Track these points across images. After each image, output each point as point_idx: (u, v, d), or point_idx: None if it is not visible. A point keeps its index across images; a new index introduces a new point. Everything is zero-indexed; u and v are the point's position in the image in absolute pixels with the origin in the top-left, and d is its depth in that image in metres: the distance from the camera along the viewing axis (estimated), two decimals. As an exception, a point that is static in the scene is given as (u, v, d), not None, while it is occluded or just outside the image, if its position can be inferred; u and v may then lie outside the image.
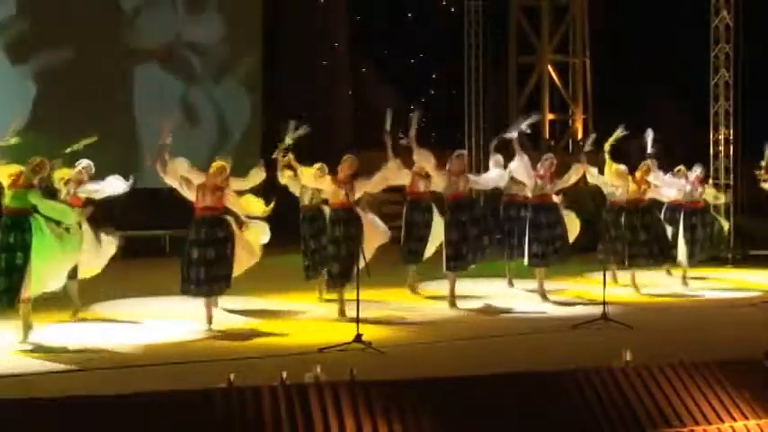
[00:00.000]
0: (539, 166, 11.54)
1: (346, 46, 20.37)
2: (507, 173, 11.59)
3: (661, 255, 12.40)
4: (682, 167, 13.21)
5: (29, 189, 8.78)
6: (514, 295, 11.97)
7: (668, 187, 12.72)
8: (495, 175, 11.60)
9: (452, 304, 10.97)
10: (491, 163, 11.92)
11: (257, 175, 10.13)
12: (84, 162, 10.12)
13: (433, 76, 22.05)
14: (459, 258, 10.82)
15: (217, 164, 9.73)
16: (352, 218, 10.11)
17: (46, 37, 16.24)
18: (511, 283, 12.51)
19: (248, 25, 18.27)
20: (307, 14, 19.25)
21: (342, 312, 10.15)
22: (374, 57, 20.70)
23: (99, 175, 10.24)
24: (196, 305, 9.81)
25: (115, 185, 10.25)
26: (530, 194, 11.63)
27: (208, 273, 9.45)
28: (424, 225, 11.54)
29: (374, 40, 20.20)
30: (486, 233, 11.13)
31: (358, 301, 9.04)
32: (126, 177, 10.25)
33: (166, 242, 16.22)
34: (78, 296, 10.00)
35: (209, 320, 9.58)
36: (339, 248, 10.03)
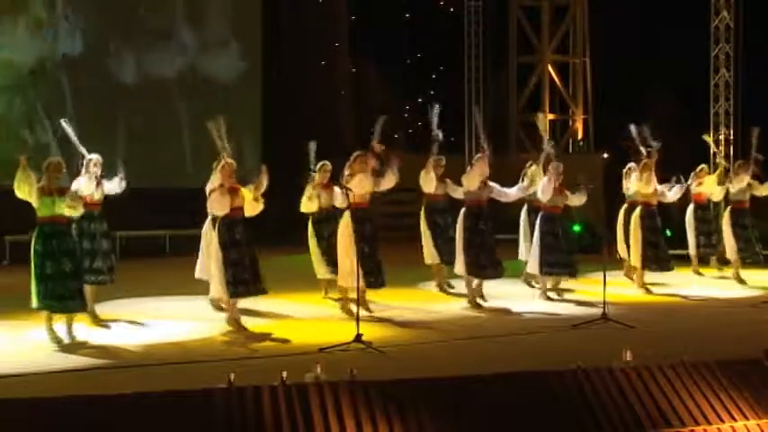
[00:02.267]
0: (550, 175, 11.55)
1: (346, 46, 20.36)
2: (527, 187, 11.57)
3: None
4: (704, 167, 13.41)
5: (52, 196, 8.75)
6: (514, 295, 11.96)
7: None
8: (514, 192, 11.46)
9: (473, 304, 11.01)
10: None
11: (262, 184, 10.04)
12: (94, 157, 9.95)
13: (433, 76, 22.03)
14: (478, 265, 10.88)
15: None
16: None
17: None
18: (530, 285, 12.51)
19: (248, 26, 18.26)
20: (307, 14, 19.24)
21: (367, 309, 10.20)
22: (374, 57, 20.68)
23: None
24: (196, 305, 9.82)
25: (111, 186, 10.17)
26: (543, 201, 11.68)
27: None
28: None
29: (374, 40, 20.17)
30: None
31: (358, 301, 9.05)
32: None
33: (166, 242, 16.21)
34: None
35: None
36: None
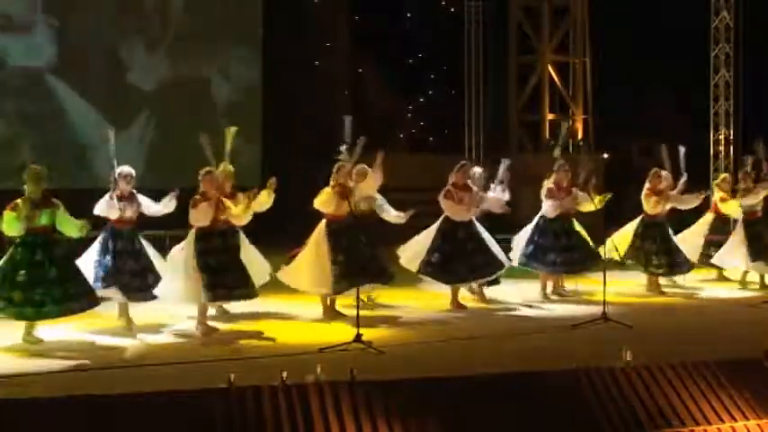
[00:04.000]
0: (554, 178, 11.59)
1: (346, 46, 20.35)
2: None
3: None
4: (726, 175, 13.38)
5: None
6: (514, 295, 11.96)
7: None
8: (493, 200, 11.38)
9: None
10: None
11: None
12: (126, 169, 9.69)
13: (433, 77, 22.02)
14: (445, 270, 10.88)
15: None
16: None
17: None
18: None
19: (248, 26, 18.25)
20: (307, 14, 19.23)
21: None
22: (374, 57, 20.67)
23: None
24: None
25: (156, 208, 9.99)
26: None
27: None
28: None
29: (374, 40, 20.16)
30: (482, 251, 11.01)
31: (358, 301, 9.05)
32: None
33: (166, 242, 16.15)
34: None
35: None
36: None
